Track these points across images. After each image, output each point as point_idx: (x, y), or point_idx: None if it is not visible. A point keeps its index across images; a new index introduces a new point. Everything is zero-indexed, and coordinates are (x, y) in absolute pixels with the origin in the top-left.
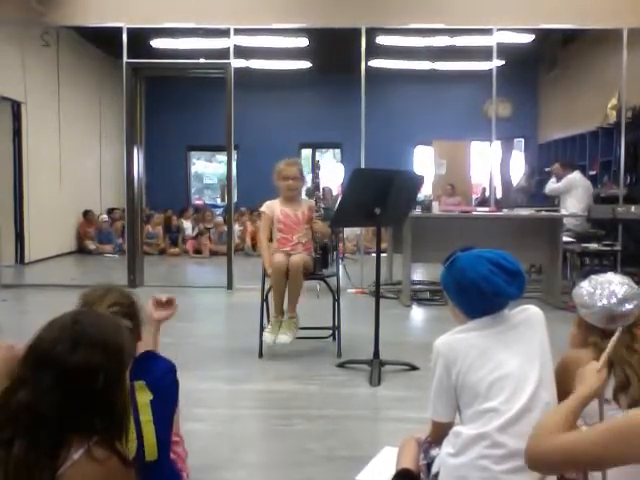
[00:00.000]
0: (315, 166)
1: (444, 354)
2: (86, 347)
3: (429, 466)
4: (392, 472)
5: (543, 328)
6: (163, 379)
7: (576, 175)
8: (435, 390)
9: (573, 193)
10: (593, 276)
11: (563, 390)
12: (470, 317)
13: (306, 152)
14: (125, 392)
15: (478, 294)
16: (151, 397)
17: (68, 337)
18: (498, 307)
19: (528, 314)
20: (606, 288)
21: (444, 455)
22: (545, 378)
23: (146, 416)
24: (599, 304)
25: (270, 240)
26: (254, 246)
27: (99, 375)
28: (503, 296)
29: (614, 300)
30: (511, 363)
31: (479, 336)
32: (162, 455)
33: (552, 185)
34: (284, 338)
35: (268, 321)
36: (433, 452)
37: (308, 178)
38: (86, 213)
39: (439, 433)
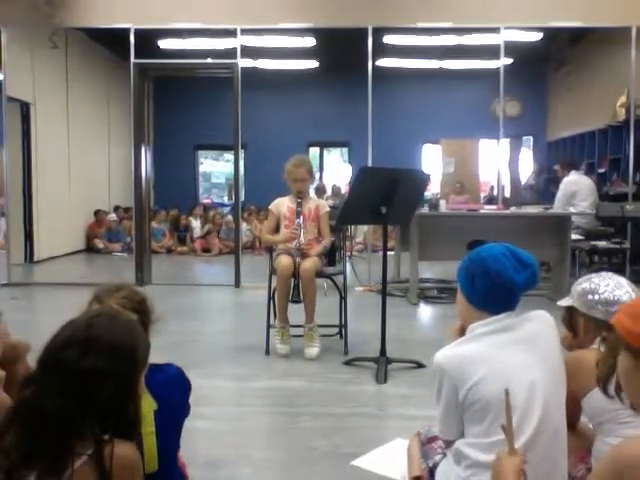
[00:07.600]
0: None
1: (449, 373)
2: (96, 352)
3: (432, 471)
4: (394, 464)
5: (558, 341)
6: (169, 386)
7: (571, 177)
8: (443, 410)
9: (574, 195)
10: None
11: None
12: (472, 306)
13: (314, 151)
14: (137, 397)
15: (483, 274)
16: (155, 407)
17: (79, 340)
18: (503, 299)
19: (544, 325)
20: (609, 280)
21: (453, 476)
22: (557, 398)
23: (148, 428)
24: (602, 289)
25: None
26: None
27: (107, 381)
28: (508, 281)
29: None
30: (523, 381)
31: (489, 347)
32: (170, 463)
33: (556, 202)
34: (314, 351)
35: (275, 319)
36: (437, 457)
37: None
38: (97, 213)
39: (449, 446)
